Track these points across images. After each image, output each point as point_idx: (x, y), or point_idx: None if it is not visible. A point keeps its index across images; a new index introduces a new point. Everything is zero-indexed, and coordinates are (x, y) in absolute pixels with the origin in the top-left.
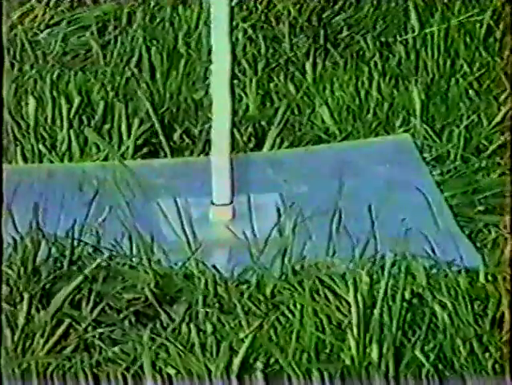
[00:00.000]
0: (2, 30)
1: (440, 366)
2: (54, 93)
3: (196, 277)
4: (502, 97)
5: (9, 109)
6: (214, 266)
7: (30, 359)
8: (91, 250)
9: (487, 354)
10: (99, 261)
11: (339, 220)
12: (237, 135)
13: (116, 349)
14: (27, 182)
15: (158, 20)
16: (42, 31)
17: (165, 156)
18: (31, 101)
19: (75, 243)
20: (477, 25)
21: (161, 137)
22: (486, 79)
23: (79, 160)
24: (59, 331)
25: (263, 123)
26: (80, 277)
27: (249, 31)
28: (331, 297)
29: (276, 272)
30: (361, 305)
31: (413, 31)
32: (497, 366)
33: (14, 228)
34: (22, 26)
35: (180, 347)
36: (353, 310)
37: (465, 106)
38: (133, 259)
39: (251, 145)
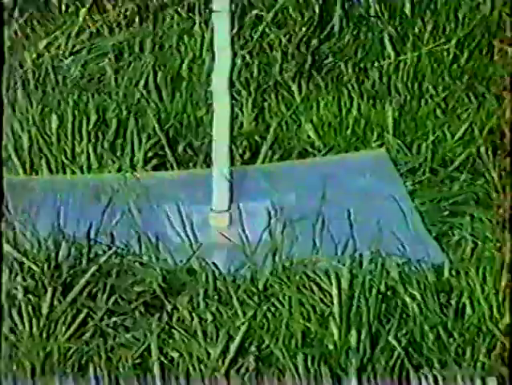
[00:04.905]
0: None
1: (410, 350)
2: (75, 112)
3: (197, 273)
4: (464, 116)
5: (36, 126)
6: (214, 263)
7: (53, 344)
8: (105, 249)
9: (451, 339)
10: (110, 253)
11: (322, 223)
12: (234, 149)
13: (128, 335)
14: (52, 191)
15: (166, 48)
16: (66, 58)
17: (171, 166)
18: (54, 119)
19: (92, 243)
20: (444, 53)
21: (167, 150)
22: (450, 99)
23: (96, 170)
24: (78, 320)
25: (257, 137)
26: (94, 268)
27: (247, 57)
28: (315, 290)
29: (268, 268)
30: (342, 297)
31: (389, 58)
32: (459, 349)
33: (39, 230)
34: (48, 53)
35: (184, 334)
36: (335, 301)
37: (432, 123)
38: (142, 257)
39: (246, 157)
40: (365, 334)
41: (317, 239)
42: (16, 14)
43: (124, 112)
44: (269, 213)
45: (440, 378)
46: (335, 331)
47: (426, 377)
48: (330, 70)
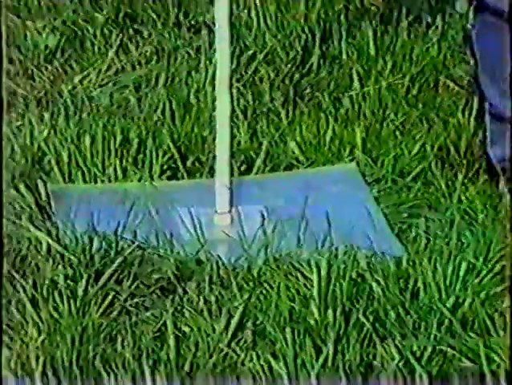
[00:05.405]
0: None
1: (376, 325)
2: (104, 133)
3: (204, 263)
4: (418, 136)
5: (73, 144)
6: (218, 255)
7: (88, 320)
8: (130, 244)
9: (408, 316)
10: (133, 246)
11: (305, 223)
12: (233, 163)
13: (148, 313)
14: (86, 197)
15: (177, 81)
16: (95, 90)
17: (182, 176)
18: (87, 138)
19: (119, 239)
20: (400, 85)
21: (179, 163)
22: (407, 123)
23: (121, 180)
24: (107, 301)
25: (252, 153)
26: (120, 259)
27: (242, 89)
28: (299, 277)
29: (261, 259)
30: (321, 283)
31: (356, 89)
32: (415, 324)
33: (77, 228)
34: (81, 85)
35: (193, 312)
36: (315, 286)
37: (392, 142)
38: (160, 250)
39: (243, 169)
40: (340, 313)
41: (301, 236)
42: (58, 54)
43: (144, 133)
44: (262, 215)
45: (401, 348)
46: (315, 310)
47: (389, 347)
48: (310, 99)
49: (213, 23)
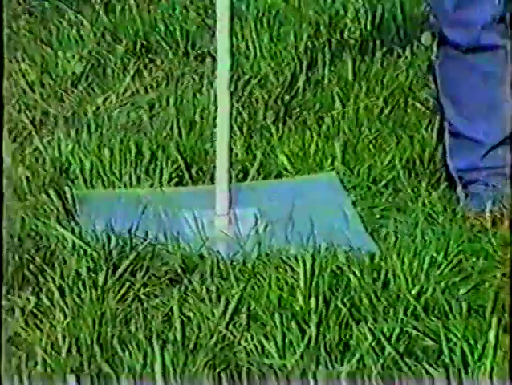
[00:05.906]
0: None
1: (352, 310)
2: (121, 146)
3: (206, 258)
4: (388, 149)
5: (95, 155)
6: (218, 251)
7: (106, 306)
8: (142, 241)
9: (379, 303)
10: (145, 243)
11: (292, 224)
12: (231, 171)
13: (157, 300)
14: (105, 201)
15: (184, 102)
16: (115, 109)
17: (187, 183)
18: (107, 151)
19: (133, 236)
20: (374, 106)
21: (185, 172)
22: (379, 138)
23: (135, 186)
24: (123, 290)
25: (247, 164)
26: (134, 254)
27: (239, 108)
28: (288, 269)
29: (255, 255)
30: (306, 275)
31: (338, 109)
32: (386, 310)
33: (97, 227)
34: (104, 106)
35: (196, 300)
36: (301, 277)
37: (367, 154)
38: (168, 246)
39: (240, 177)
40: (321, 300)
41: (289, 234)
42: (83, 79)
43: (155, 146)
44: (255, 216)
45: (373, 330)
46: (301, 298)
47: (363, 329)
48: (297, 118)
49: (216, 53)
